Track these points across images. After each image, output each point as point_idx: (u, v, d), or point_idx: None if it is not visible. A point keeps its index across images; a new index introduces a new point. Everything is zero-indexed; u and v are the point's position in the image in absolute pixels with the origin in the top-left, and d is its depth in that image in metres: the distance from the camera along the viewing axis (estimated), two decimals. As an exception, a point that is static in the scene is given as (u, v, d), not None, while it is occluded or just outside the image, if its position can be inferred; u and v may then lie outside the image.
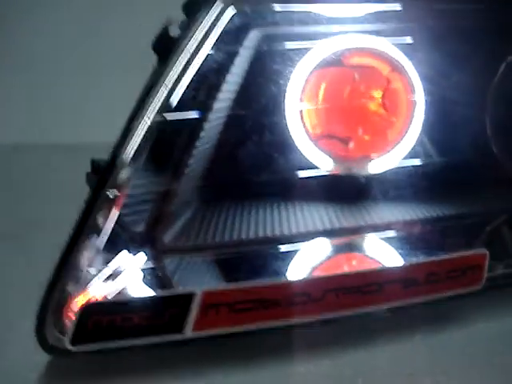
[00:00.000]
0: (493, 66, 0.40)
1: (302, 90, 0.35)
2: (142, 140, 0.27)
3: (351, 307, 0.29)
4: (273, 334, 0.28)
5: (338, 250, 0.34)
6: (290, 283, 0.28)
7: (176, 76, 0.28)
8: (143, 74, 0.30)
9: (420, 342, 0.31)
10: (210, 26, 0.29)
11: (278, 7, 0.31)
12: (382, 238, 0.34)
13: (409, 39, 0.36)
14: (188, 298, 0.26)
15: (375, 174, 0.36)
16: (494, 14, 0.39)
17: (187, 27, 0.29)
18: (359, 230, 0.35)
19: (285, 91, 0.34)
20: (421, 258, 0.31)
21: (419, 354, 0.30)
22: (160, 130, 0.27)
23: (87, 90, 0.71)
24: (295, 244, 0.34)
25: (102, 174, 0.28)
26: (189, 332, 0.26)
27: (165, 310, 0.26)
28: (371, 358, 0.29)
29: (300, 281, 0.29)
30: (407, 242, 0.34)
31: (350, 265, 0.33)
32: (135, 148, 0.27)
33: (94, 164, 0.30)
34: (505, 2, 0.39)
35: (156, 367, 0.28)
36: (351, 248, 0.34)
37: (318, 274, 0.31)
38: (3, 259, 0.37)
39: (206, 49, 0.28)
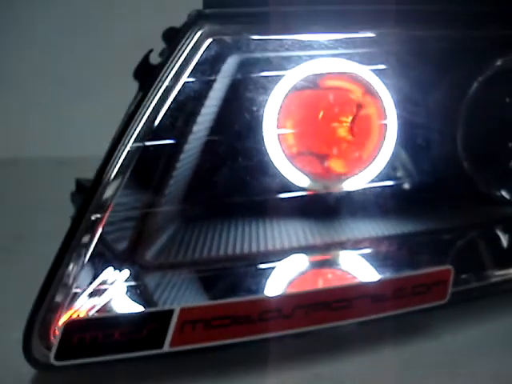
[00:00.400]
0: (463, 87, 0.42)
1: (278, 113, 0.36)
2: (123, 164, 0.29)
3: (321, 322, 0.31)
4: (247, 347, 0.29)
5: (313, 266, 0.36)
6: (263, 300, 0.30)
7: (154, 103, 0.29)
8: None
9: (389, 355, 0.32)
10: (189, 54, 0.31)
11: (254, 36, 0.33)
12: (355, 255, 0.36)
13: (382, 65, 0.38)
14: (167, 314, 0.27)
15: (349, 192, 0.38)
16: (463, 38, 0.41)
17: (167, 55, 0.31)
18: (333, 247, 0.37)
19: (262, 115, 0.36)
20: (389, 275, 0.33)
21: (388, 366, 0.32)
22: (140, 155, 0.29)
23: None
24: (272, 261, 0.36)
25: (87, 195, 0.30)
26: (167, 347, 0.27)
27: (145, 326, 0.27)
28: (341, 370, 0.31)
29: (272, 298, 0.30)
30: (378, 258, 0.36)
31: (322, 281, 0.35)
32: (117, 171, 0.29)
33: (78, 183, 0.32)
34: (474, 26, 0.41)
35: (137, 380, 0.29)
36: (325, 264, 0.36)
37: (291, 290, 0.32)
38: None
39: (184, 77, 0.30)
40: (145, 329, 0.27)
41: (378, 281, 0.32)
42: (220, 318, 0.28)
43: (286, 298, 0.30)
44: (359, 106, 0.37)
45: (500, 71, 0.43)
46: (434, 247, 0.36)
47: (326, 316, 0.30)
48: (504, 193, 0.44)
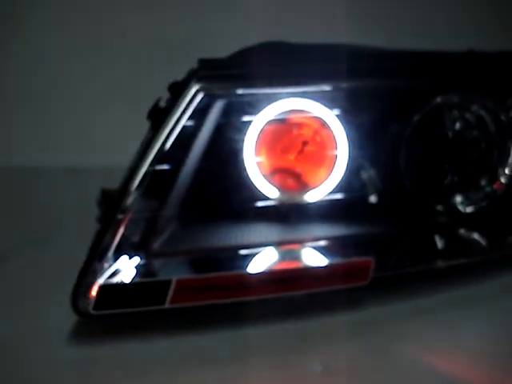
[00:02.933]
0: (405, 121, 0.57)
1: (255, 143, 0.52)
2: (140, 181, 0.44)
3: (280, 292, 0.45)
4: (227, 308, 0.44)
5: (279, 255, 0.51)
6: (240, 274, 0.45)
7: (162, 139, 0.45)
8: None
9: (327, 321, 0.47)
10: (186, 104, 0.46)
11: (234, 90, 0.49)
12: (310, 248, 0.51)
13: (336, 109, 0.53)
14: (167, 282, 0.43)
15: (309, 202, 0.53)
16: (402, 86, 0.56)
17: (170, 104, 0.46)
18: (295, 242, 0.52)
19: (242, 146, 0.51)
20: (328, 261, 0.48)
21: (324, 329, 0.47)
22: (152, 175, 0.44)
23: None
24: (250, 250, 0.51)
25: (114, 202, 0.45)
26: (167, 304, 0.43)
27: (152, 290, 0.43)
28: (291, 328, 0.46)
29: (246, 273, 0.46)
30: (326, 251, 0.50)
31: (283, 264, 0.50)
32: (136, 186, 0.45)
33: (104, 193, 0.48)
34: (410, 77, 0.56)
35: (147, 328, 0.45)
36: (288, 254, 0.51)
37: (261, 269, 0.47)
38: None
39: (183, 120, 0.45)
40: (151, 292, 0.42)
41: (321, 266, 0.47)
42: (206, 286, 0.43)
43: (256, 275, 0.45)
44: (315, 136, 0.52)
45: (434, 108, 0.58)
46: (367, 244, 0.51)
47: (283, 288, 0.45)
48: (439, 206, 0.59)
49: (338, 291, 0.46)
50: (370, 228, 0.51)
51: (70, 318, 0.42)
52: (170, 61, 0.75)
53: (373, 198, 0.52)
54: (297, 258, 0.49)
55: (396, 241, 0.51)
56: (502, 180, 0.57)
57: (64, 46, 0.95)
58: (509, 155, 0.58)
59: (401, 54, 0.58)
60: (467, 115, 0.57)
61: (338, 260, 0.47)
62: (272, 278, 0.46)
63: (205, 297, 0.43)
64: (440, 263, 0.51)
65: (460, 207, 0.56)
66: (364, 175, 0.52)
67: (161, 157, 0.43)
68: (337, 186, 0.52)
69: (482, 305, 0.49)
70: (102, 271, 0.42)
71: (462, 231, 0.56)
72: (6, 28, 0.94)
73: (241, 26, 0.80)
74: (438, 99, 0.56)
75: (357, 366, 0.41)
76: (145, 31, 0.94)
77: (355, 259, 0.46)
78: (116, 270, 0.43)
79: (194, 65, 0.46)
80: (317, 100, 0.50)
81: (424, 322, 0.46)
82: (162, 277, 0.43)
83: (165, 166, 0.43)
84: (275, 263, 0.48)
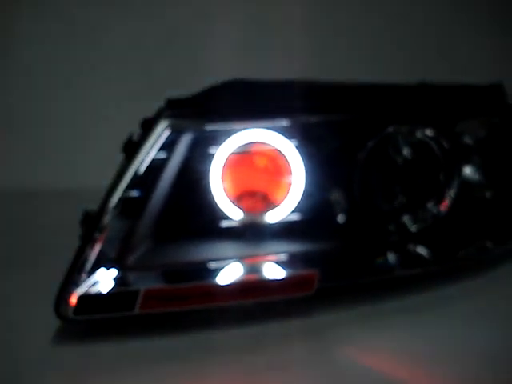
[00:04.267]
0: (357, 149, 0.64)
1: (221, 170, 0.60)
2: (115, 204, 0.53)
3: (240, 299, 0.53)
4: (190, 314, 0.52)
5: (242, 268, 0.59)
6: (206, 284, 0.53)
7: (134, 169, 0.53)
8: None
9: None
10: (157, 137, 0.54)
11: (200, 125, 0.57)
12: (268, 262, 0.59)
13: (294, 140, 0.61)
14: (136, 292, 0.51)
15: (269, 223, 0.61)
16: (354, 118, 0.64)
17: (141, 139, 0.54)
18: (256, 256, 0.60)
19: (209, 173, 0.59)
20: (281, 274, 0.56)
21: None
22: (125, 200, 0.53)
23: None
24: (216, 264, 0.59)
25: (93, 222, 0.53)
26: (136, 311, 0.51)
27: (125, 297, 0.51)
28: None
29: (212, 284, 0.54)
30: (282, 264, 0.58)
31: (245, 277, 0.58)
32: (111, 208, 0.53)
33: (85, 214, 0.56)
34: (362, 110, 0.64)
35: (118, 332, 0.53)
36: (250, 267, 0.59)
37: (226, 281, 0.55)
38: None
39: (153, 154, 0.54)
40: (122, 300, 0.51)
41: (274, 278, 0.55)
42: (171, 295, 0.51)
43: (215, 285, 0.53)
44: (274, 164, 0.60)
45: (385, 136, 0.66)
46: (316, 259, 0.59)
47: (242, 296, 0.53)
48: (391, 227, 0.67)
49: (288, 300, 0.53)
50: (322, 245, 0.59)
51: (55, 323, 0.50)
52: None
53: (340, 218, 0.60)
54: (256, 270, 0.56)
55: (344, 255, 0.59)
56: (447, 201, 0.65)
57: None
58: (453, 179, 0.65)
59: (356, 87, 0.66)
60: (416, 142, 0.65)
61: (289, 272, 0.55)
62: (232, 289, 0.54)
63: (170, 304, 0.51)
64: (383, 275, 0.59)
65: (408, 226, 0.64)
66: (331, 196, 0.60)
67: (133, 183, 0.51)
68: (295, 208, 0.59)
69: (422, 312, 0.57)
70: (81, 282, 0.50)
71: (409, 247, 0.63)
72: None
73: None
74: (390, 129, 0.63)
75: (300, 364, 0.49)
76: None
77: (302, 272, 0.54)
78: (94, 282, 0.51)
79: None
80: (275, 132, 0.58)
81: (365, 327, 0.53)
82: (133, 287, 0.51)
83: (136, 192, 0.51)
84: (237, 275, 0.56)
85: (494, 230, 0.69)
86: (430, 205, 0.65)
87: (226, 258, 0.56)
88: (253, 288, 0.53)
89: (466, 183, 0.70)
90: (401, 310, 0.56)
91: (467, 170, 0.70)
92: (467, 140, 0.70)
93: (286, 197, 0.59)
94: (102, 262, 0.51)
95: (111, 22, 1.07)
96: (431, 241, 0.64)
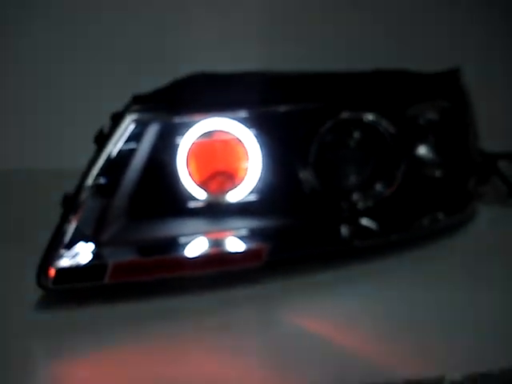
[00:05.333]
0: (311, 136, 0.72)
1: (186, 156, 0.68)
2: (89, 187, 0.62)
3: (202, 270, 0.62)
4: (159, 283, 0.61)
5: (207, 243, 0.68)
6: (175, 257, 0.62)
7: (105, 158, 0.62)
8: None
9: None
10: (124, 129, 0.63)
11: (164, 117, 0.65)
12: (229, 237, 0.68)
13: (253, 129, 0.69)
14: (106, 264, 0.60)
15: (230, 203, 0.70)
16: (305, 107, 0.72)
17: (110, 131, 0.63)
18: (218, 232, 0.69)
19: (175, 160, 0.67)
20: (237, 248, 0.64)
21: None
22: (97, 184, 0.61)
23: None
24: (186, 238, 0.68)
25: (70, 201, 0.62)
26: (106, 280, 0.60)
27: (96, 269, 0.60)
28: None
29: (179, 256, 0.62)
30: (242, 239, 0.67)
31: (209, 249, 0.66)
32: (86, 191, 0.62)
33: (65, 196, 0.65)
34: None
35: (90, 298, 0.62)
36: (213, 242, 0.68)
37: (192, 254, 0.63)
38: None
39: (121, 144, 0.62)
40: (94, 271, 0.60)
41: (231, 251, 0.64)
42: (136, 267, 0.60)
43: (188, 258, 0.62)
44: (234, 150, 0.69)
45: (338, 122, 0.73)
46: (268, 234, 0.67)
47: (206, 266, 0.62)
48: (343, 204, 0.75)
49: (242, 270, 0.62)
50: (276, 221, 0.67)
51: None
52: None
53: (295, 198, 0.69)
54: (217, 244, 0.65)
55: (295, 230, 0.68)
56: (396, 181, 0.73)
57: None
58: (402, 160, 0.73)
59: (311, 76, 0.74)
60: (365, 127, 0.73)
61: (242, 246, 0.63)
62: (195, 261, 0.62)
63: (137, 275, 0.60)
64: (334, 247, 0.68)
65: (357, 203, 0.72)
66: (287, 179, 0.68)
67: (104, 171, 0.60)
68: (252, 190, 0.68)
69: (368, 280, 0.65)
70: (59, 256, 0.58)
71: (359, 222, 0.72)
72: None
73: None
74: (341, 115, 0.71)
75: (248, 325, 0.58)
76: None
77: (253, 245, 0.62)
78: (71, 255, 0.59)
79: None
80: (235, 121, 0.66)
81: (309, 295, 0.62)
82: (106, 259, 0.60)
83: (107, 178, 0.60)
84: (201, 249, 0.65)
85: (445, 204, 0.77)
86: (378, 184, 0.72)
87: (192, 234, 0.65)
88: (213, 260, 0.62)
89: (418, 162, 0.77)
90: (351, 279, 0.64)
91: (421, 150, 0.78)
92: (420, 122, 0.77)
93: (244, 180, 0.66)
94: (79, 238, 0.60)
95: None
96: (381, 215, 0.71)
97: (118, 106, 0.62)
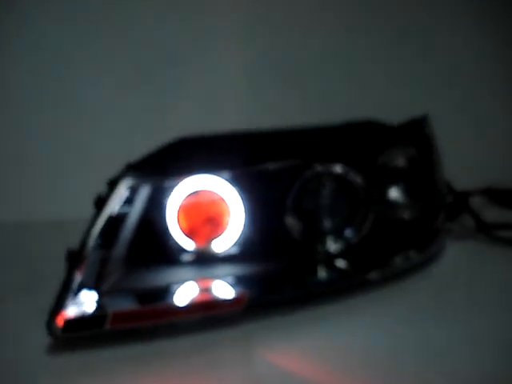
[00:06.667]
0: (288, 187, 0.84)
1: (176, 214, 0.80)
2: (92, 245, 0.73)
3: (195, 314, 0.73)
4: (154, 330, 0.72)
5: (197, 289, 0.79)
6: (168, 305, 0.72)
7: (104, 219, 0.73)
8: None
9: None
10: (119, 194, 0.74)
11: (154, 181, 0.77)
12: (215, 283, 0.79)
13: (235, 188, 0.80)
14: (105, 314, 0.71)
15: (215, 253, 0.81)
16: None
17: (107, 195, 0.74)
18: (208, 279, 0.80)
19: (165, 217, 0.79)
20: (223, 295, 0.75)
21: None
22: (97, 243, 0.73)
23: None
24: (177, 286, 0.79)
25: (74, 257, 0.74)
26: (107, 327, 0.71)
27: (98, 318, 0.71)
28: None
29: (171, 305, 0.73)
30: (227, 285, 0.78)
31: (198, 296, 0.77)
32: (88, 248, 0.73)
33: (68, 251, 0.76)
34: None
35: (95, 345, 0.73)
36: (203, 288, 0.79)
37: (180, 302, 0.74)
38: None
39: (117, 206, 0.74)
40: (97, 319, 0.71)
41: (216, 298, 0.75)
42: (133, 314, 0.72)
43: (179, 306, 0.72)
44: (218, 206, 0.80)
45: (313, 174, 0.84)
46: (250, 280, 0.78)
47: (194, 311, 0.73)
48: (319, 247, 0.86)
49: (226, 314, 0.73)
50: (255, 268, 0.79)
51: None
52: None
53: (274, 246, 0.80)
54: (205, 291, 0.76)
55: (274, 276, 0.78)
56: (366, 225, 0.84)
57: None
58: (371, 205, 0.84)
59: (285, 133, 0.85)
60: (336, 177, 0.84)
61: (226, 293, 0.74)
62: (188, 306, 0.73)
63: (134, 322, 0.71)
64: (311, 289, 0.78)
65: (329, 247, 0.83)
66: (267, 231, 0.79)
67: (102, 231, 0.71)
68: (234, 242, 0.79)
69: (344, 318, 0.74)
70: (66, 306, 0.70)
71: (333, 264, 0.82)
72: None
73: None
74: (314, 167, 0.82)
75: (232, 362, 0.68)
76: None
77: (236, 292, 0.73)
78: (77, 304, 0.71)
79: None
80: (218, 181, 0.77)
81: (285, 334, 0.72)
82: (106, 308, 0.71)
83: (105, 237, 0.71)
84: (190, 296, 0.75)
85: (415, 242, 0.88)
86: (348, 230, 0.83)
87: (181, 281, 0.76)
88: (200, 306, 0.72)
89: (389, 205, 0.88)
90: (324, 317, 0.73)
91: (392, 194, 0.89)
92: (389, 169, 0.88)
93: (228, 232, 0.78)
94: (82, 288, 0.71)
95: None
96: (354, 257, 0.82)
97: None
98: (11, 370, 0.64)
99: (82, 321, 0.67)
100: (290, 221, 0.78)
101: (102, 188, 0.74)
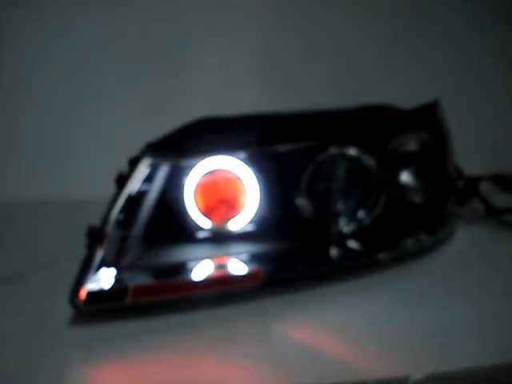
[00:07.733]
0: (303, 168, 0.87)
1: (193, 193, 0.83)
2: (113, 222, 0.77)
3: (211, 290, 0.77)
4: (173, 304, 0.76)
5: (213, 266, 0.83)
6: (186, 279, 0.77)
7: (124, 197, 0.77)
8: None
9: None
10: (140, 172, 0.78)
11: (173, 160, 0.81)
12: (231, 260, 0.83)
13: (251, 168, 0.84)
14: (126, 288, 0.75)
15: (232, 231, 0.85)
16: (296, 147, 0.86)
17: (129, 173, 0.78)
18: (223, 257, 0.84)
19: (183, 195, 0.83)
20: (237, 271, 0.79)
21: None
22: (118, 220, 0.77)
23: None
24: (194, 263, 0.83)
25: (96, 234, 0.78)
26: (129, 300, 0.75)
27: (120, 292, 0.75)
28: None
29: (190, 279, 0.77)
30: (243, 262, 0.82)
31: (214, 272, 0.81)
32: (111, 224, 0.77)
33: (89, 228, 0.80)
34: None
35: (116, 318, 0.77)
36: (218, 265, 0.83)
37: (197, 277, 0.78)
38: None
39: (138, 184, 0.78)
40: (119, 293, 0.75)
41: (232, 274, 0.79)
42: (154, 288, 0.76)
43: (196, 281, 0.76)
44: (234, 185, 0.84)
45: (327, 156, 0.88)
46: (266, 257, 0.82)
47: (211, 287, 0.77)
48: (333, 228, 0.90)
49: (242, 290, 0.77)
50: (271, 246, 0.83)
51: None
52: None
53: (289, 226, 0.84)
54: (221, 267, 0.80)
55: (289, 254, 0.83)
56: (378, 207, 0.88)
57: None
58: (383, 188, 0.88)
59: (301, 116, 0.88)
60: (350, 159, 0.88)
61: (242, 269, 0.78)
62: (204, 282, 0.77)
63: (154, 296, 0.75)
64: (325, 267, 0.82)
65: (342, 228, 0.87)
66: (282, 209, 0.83)
67: (124, 208, 0.75)
68: (250, 220, 0.83)
69: (355, 295, 0.78)
70: (88, 280, 0.74)
71: (346, 244, 0.86)
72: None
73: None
74: (331, 150, 0.86)
75: (248, 334, 0.72)
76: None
77: (251, 268, 0.77)
78: (98, 280, 0.75)
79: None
80: (235, 161, 0.81)
81: (301, 310, 0.77)
82: (127, 283, 0.75)
83: (127, 214, 0.75)
84: (207, 272, 0.80)
85: (426, 226, 0.92)
86: (361, 211, 0.87)
87: (198, 259, 0.80)
88: (217, 282, 0.77)
89: (401, 189, 0.92)
90: (336, 295, 0.77)
91: (403, 177, 0.92)
92: (401, 152, 0.92)
93: (243, 211, 0.81)
94: (103, 264, 0.75)
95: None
96: (366, 238, 0.86)
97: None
98: (36, 340, 0.68)
99: (103, 294, 0.70)
100: (304, 201, 0.81)
101: (120, 168, 0.78)
